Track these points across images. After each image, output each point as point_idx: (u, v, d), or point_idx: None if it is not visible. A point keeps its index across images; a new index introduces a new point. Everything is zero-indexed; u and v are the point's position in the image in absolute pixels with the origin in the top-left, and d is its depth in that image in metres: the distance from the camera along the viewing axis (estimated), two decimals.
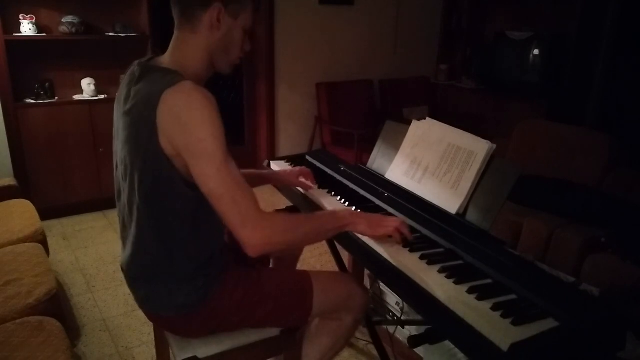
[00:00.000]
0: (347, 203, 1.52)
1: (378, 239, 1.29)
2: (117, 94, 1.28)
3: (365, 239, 1.31)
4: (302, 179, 1.66)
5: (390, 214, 1.47)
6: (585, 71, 3.93)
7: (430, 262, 1.21)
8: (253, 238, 1.10)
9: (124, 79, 1.26)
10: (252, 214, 1.10)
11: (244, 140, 4.47)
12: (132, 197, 1.22)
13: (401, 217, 1.45)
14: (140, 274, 1.29)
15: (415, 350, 1.89)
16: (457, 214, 1.43)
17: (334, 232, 1.28)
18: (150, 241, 1.23)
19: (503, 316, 0.99)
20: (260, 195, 1.76)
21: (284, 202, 1.83)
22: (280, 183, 1.73)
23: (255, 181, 1.67)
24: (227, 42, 1.24)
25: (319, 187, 1.66)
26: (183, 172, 1.14)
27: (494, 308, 1.02)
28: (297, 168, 1.71)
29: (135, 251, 1.26)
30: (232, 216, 1.10)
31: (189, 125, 1.08)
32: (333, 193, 1.61)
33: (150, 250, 1.23)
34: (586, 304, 1.08)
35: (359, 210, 1.47)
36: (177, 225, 1.21)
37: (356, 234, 1.31)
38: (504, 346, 0.92)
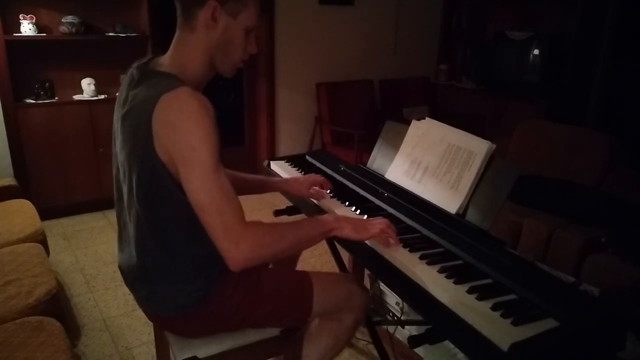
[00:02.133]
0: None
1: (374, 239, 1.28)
2: (117, 96, 1.28)
3: None
4: (316, 188, 1.60)
5: (390, 214, 1.48)
6: (585, 71, 3.93)
7: (430, 262, 1.21)
8: (234, 252, 1.08)
9: (123, 82, 1.25)
10: (235, 228, 1.08)
11: (244, 140, 4.47)
12: (131, 200, 1.21)
13: (401, 217, 1.45)
14: (141, 275, 1.29)
15: (415, 350, 1.89)
16: (457, 213, 1.43)
17: (320, 238, 1.26)
18: (150, 243, 1.22)
19: (503, 316, 0.99)
20: (260, 194, 1.75)
21: (284, 202, 1.83)
22: (290, 193, 1.67)
23: (262, 188, 1.66)
24: (226, 42, 1.21)
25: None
26: (177, 178, 1.12)
27: (494, 308, 1.02)
28: (310, 177, 1.64)
29: (135, 252, 1.26)
30: (215, 228, 1.08)
31: (181, 132, 1.07)
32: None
33: (151, 251, 1.23)
34: (586, 304, 1.09)
35: (358, 212, 1.47)
36: (176, 228, 1.20)
37: (342, 238, 1.28)
38: (504, 346, 0.92)
